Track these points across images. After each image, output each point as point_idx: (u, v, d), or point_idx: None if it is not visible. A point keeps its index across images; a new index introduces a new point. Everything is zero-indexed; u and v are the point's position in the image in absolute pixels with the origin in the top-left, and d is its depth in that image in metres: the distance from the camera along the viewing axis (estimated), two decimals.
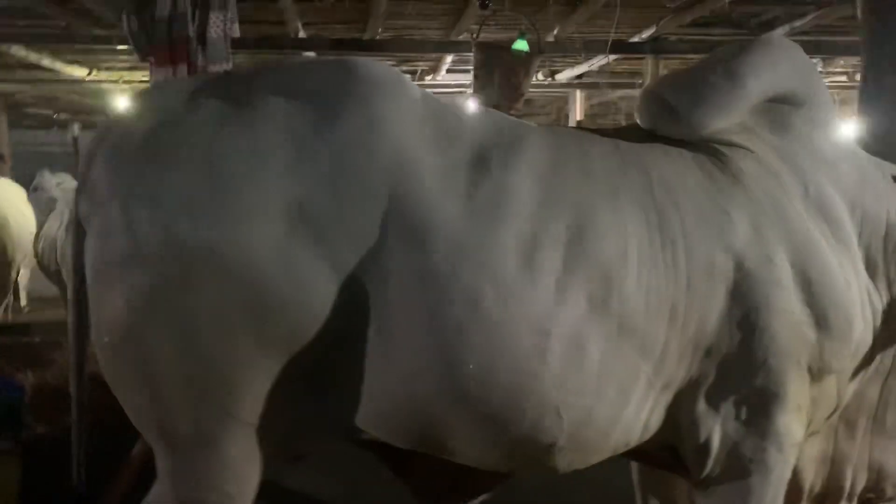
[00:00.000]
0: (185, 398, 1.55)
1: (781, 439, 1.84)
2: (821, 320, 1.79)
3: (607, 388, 1.68)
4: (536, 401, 1.62)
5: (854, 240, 1.88)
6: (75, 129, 4.88)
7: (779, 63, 1.90)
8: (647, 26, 5.77)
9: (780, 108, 1.92)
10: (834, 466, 2.07)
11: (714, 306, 1.74)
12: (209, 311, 1.50)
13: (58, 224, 5.57)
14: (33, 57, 6.50)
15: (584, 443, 1.73)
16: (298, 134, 1.55)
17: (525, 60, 2.81)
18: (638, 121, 1.99)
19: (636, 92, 7.44)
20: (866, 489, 2.11)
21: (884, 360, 2.01)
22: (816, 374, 1.83)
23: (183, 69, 2.68)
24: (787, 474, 1.92)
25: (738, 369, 1.78)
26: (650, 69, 5.73)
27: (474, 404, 1.60)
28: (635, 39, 5.76)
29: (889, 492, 2.11)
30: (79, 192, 1.64)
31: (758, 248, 1.76)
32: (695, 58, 6.57)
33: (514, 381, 1.59)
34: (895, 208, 1.94)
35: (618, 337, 1.66)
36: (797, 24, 5.30)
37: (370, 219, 1.55)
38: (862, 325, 1.86)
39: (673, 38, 5.72)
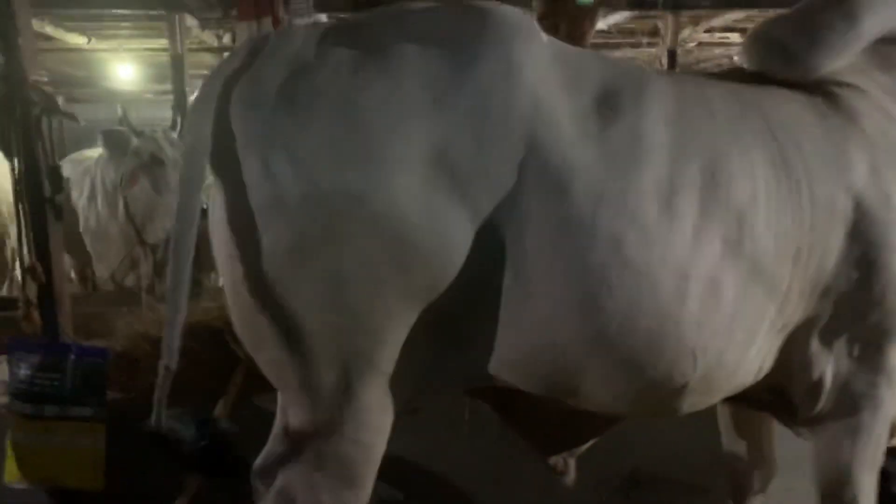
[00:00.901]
0: (329, 349, 1.55)
1: (893, 375, 1.88)
2: None
3: (738, 330, 1.70)
4: (675, 343, 1.64)
5: None
6: (119, 109, 4.81)
7: (890, 2, 1.91)
8: None
9: (889, 48, 1.93)
10: None
11: (834, 246, 1.76)
12: (355, 262, 1.50)
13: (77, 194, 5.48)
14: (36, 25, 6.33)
15: (712, 385, 1.76)
16: (436, 80, 1.53)
17: (589, 11, 2.79)
18: (744, 63, 1.99)
19: (653, 51, 7.40)
20: None
21: None
22: None
23: (267, 22, 2.64)
24: (894, 409, 1.97)
25: (854, 307, 1.81)
26: (670, 26, 5.69)
27: (614, 348, 1.62)
28: None
29: None
30: (194, 146, 1.58)
31: (876, 188, 1.78)
32: (714, 11, 6.58)
33: (655, 324, 1.61)
34: None
35: (749, 279, 1.68)
36: None
37: (509, 165, 1.54)
38: None
39: None
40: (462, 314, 1.59)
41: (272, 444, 1.97)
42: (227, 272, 1.58)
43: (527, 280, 1.57)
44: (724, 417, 2.40)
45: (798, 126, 1.79)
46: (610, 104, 1.64)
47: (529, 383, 1.71)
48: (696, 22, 7.08)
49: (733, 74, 1.97)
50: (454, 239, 1.53)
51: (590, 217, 1.56)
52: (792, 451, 2.34)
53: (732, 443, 2.40)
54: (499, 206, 1.54)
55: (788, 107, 1.83)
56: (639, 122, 1.63)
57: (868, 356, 1.86)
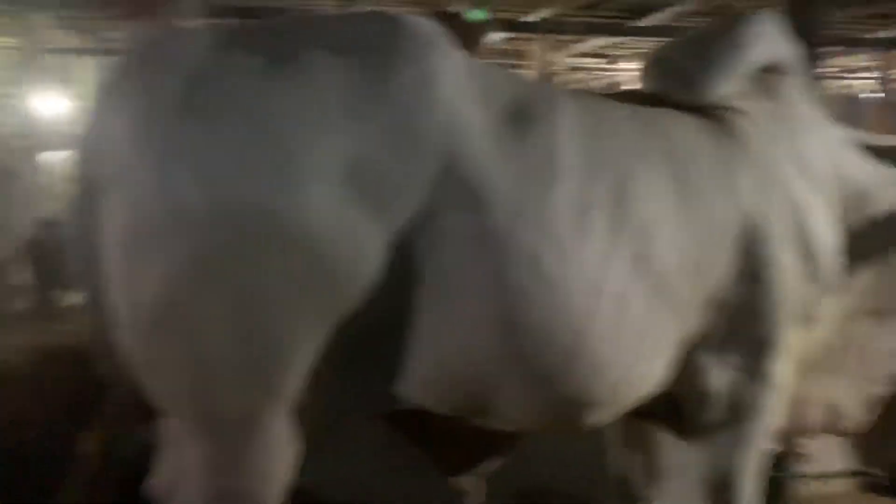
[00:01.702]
0: (234, 376, 1.44)
1: (774, 385, 1.99)
2: (813, 273, 1.95)
3: (644, 344, 1.74)
4: (588, 359, 1.65)
5: (833, 198, 2.06)
6: None
7: (773, 35, 2.04)
8: (535, 9, 5.90)
9: (772, 77, 2.06)
10: (797, 406, 2.26)
11: (727, 262, 1.84)
12: (265, 281, 1.40)
13: None
14: None
15: (620, 399, 1.79)
16: (352, 91, 1.47)
17: (479, 27, 2.82)
18: (643, 85, 2.06)
19: (522, 73, 7.63)
20: (822, 425, 2.33)
21: (843, 308, 2.21)
22: (808, 322, 2.00)
23: (152, 24, 2.45)
24: (776, 417, 2.09)
25: (742, 320, 1.90)
26: (541, 49, 5.90)
27: (531, 365, 1.61)
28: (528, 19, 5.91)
29: (841, 425, 2.34)
30: (85, 156, 1.46)
31: (763, 208, 1.88)
32: (585, 37, 6.91)
33: (570, 340, 1.62)
34: (864, 168, 2.14)
35: (655, 294, 1.72)
36: (678, 8, 5.66)
37: (427, 179, 1.50)
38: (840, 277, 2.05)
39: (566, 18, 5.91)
40: (376, 334, 1.53)
41: (158, 480, 1.82)
42: (121, 292, 1.43)
43: (444, 297, 1.53)
44: (615, 429, 2.46)
45: (694, 147, 1.87)
46: (523, 120, 1.64)
47: (444, 404, 1.68)
48: (563, 47, 7.39)
49: (632, 96, 2.04)
50: (370, 256, 1.47)
51: (507, 233, 1.54)
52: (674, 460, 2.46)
53: (623, 454, 2.46)
54: (416, 221, 1.50)
55: (685, 129, 1.90)
56: (552, 139, 1.64)
57: (753, 368, 1.96)
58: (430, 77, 1.52)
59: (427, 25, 1.60)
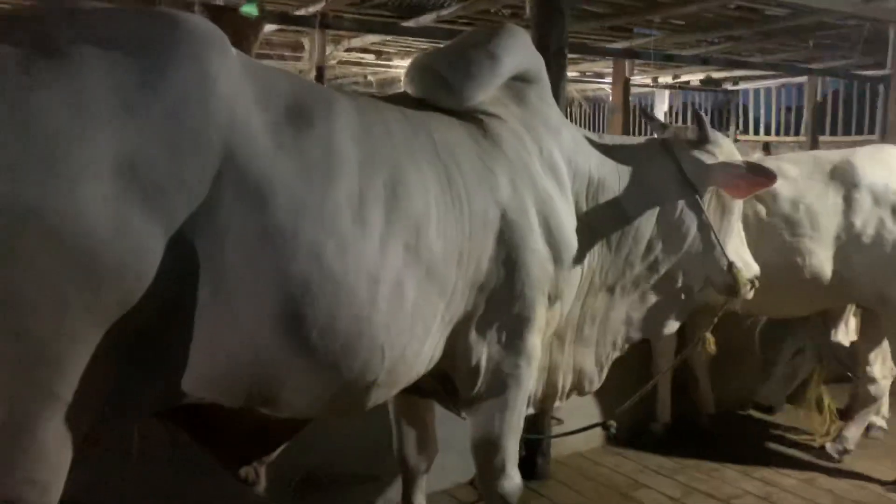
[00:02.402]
0: (2, 381, 1.38)
1: (531, 356, 2.27)
2: (557, 256, 2.24)
3: (417, 326, 1.91)
4: (368, 343, 1.78)
5: (570, 191, 2.37)
6: None
7: (522, 47, 2.30)
8: (308, 4, 5.94)
9: (519, 85, 2.32)
10: (551, 374, 2.58)
11: (487, 250, 2.07)
12: (33, 282, 1.36)
13: None
14: None
15: (396, 378, 1.95)
16: (125, 87, 1.46)
17: (254, 22, 2.83)
18: (407, 89, 2.23)
19: (298, 65, 7.61)
20: (571, 388, 2.67)
21: (582, 284, 2.56)
22: (553, 299, 2.29)
23: None
24: (532, 385, 2.37)
25: (502, 300, 2.14)
26: (317, 43, 5.94)
27: (315, 355, 1.70)
28: (301, 13, 5.92)
29: (586, 387, 2.69)
30: None
31: (516, 201, 2.13)
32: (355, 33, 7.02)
33: (352, 327, 1.73)
34: (595, 163, 2.48)
35: (425, 280, 1.89)
36: (443, 12, 5.98)
37: (205, 177, 1.52)
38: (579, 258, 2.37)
39: (341, 15, 6.01)
40: (155, 333, 1.53)
41: None
42: None
43: (226, 294, 1.56)
44: (393, 407, 2.63)
45: (458, 148, 2.07)
46: (302, 119, 1.71)
47: (229, 397, 1.72)
48: (337, 41, 7.48)
49: (399, 99, 2.20)
50: (147, 254, 1.46)
51: (290, 228, 1.61)
52: (443, 433, 2.70)
53: (402, 430, 2.65)
54: (195, 218, 1.51)
55: (449, 131, 2.10)
56: (331, 137, 1.74)
57: (512, 342, 2.21)
58: (208, 74, 1.55)
59: (204, 23, 1.61)
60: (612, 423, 2.78)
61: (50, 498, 1.51)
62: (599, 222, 2.47)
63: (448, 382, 2.28)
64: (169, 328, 1.54)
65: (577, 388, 2.69)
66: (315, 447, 2.78)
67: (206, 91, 1.54)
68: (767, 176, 2.57)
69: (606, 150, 2.55)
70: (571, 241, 2.30)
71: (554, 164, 2.32)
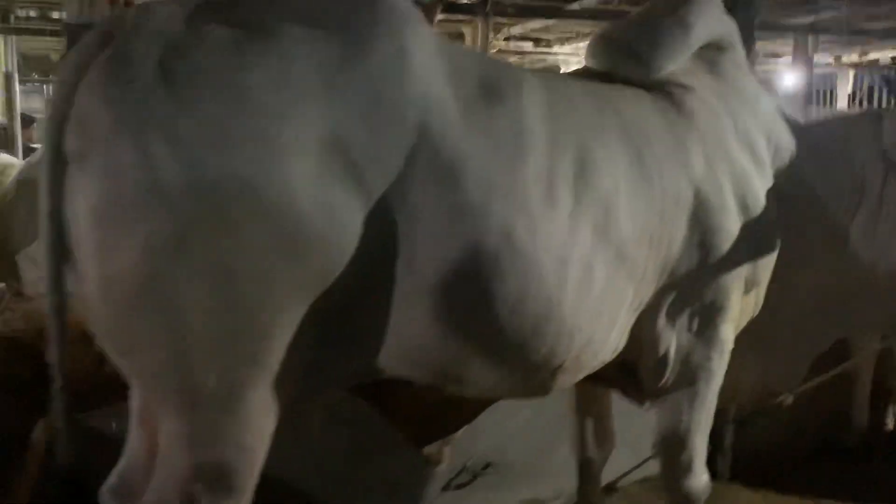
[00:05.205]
0: (214, 348, 1.44)
1: (723, 346, 2.12)
2: (755, 239, 2.07)
3: (605, 311, 1.82)
4: (556, 327, 1.72)
5: (768, 167, 2.19)
6: None
7: (713, 12, 2.15)
8: None
9: (712, 53, 2.17)
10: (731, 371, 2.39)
11: (679, 231, 1.94)
12: (244, 254, 1.40)
13: None
14: None
15: (581, 364, 1.87)
16: (329, 63, 1.48)
17: (429, 8, 2.83)
18: (590, 63, 2.13)
19: None
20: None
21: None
22: (749, 286, 2.12)
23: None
24: (722, 377, 2.21)
25: (694, 286, 2.00)
26: (480, 31, 5.94)
27: (504, 334, 1.67)
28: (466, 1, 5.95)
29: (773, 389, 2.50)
30: (58, 127, 1.43)
31: (710, 179, 1.99)
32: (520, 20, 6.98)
33: (541, 308, 1.68)
34: (788, 140, 2.27)
35: (614, 263, 1.80)
36: None
37: (401, 153, 1.52)
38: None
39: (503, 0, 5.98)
40: (353, 306, 1.55)
41: (129, 459, 1.81)
42: (93, 268, 1.41)
43: (419, 268, 1.56)
44: (571, 399, 2.55)
45: (646, 123, 1.95)
46: (492, 96, 1.67)
47: (419, 373, 1.72)
48: (497, 29, 7.47)
49: (582, 75, 2.11)
50: (348, 228, 1.48)
51: (482, 206, 1.58)
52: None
53: (580, 422, 2.56)
54: (391, 194, 1.52)
55: (637, 105, 1.99)
56: (521, 115, 1.69)
57: (704, 331, 2.07)
58: (406, 52, 1.54)
59: (402, 2, 1.61)
60: (790, 395, 2.56)
61: (255, 464, 1.56)
62: (796, 201, 2.26)
63: (633, 373, 2.17)
64: (366, 303, 1.56)
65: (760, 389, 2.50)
66: (487, 435, 2.77)
67: (404, 68, 1.54)
68: None
69: (809, 124, 2.33)
70: (771, 222, 2.11)
71: (750, 138, 2.14)
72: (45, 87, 10.82)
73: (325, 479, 2.49)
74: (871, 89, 11.36)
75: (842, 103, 10.12)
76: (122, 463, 1.81)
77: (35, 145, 5.96)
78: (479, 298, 1.61)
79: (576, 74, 2.16)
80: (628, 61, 2.06)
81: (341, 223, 1.47)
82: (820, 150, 2.31)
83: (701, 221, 1.96)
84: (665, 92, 2.06)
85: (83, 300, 1.49)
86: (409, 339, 1.62)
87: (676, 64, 2.09)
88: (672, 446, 2.19)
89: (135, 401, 1.80)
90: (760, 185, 2.11)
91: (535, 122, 1.71)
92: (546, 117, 1.74)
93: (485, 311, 1.63)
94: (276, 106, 1.42)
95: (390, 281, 1.56)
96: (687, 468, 2.20)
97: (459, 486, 2.86)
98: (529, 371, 1.78)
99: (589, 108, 1.88)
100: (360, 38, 1.52)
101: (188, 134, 1.37)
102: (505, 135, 1.65)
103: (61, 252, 1.45)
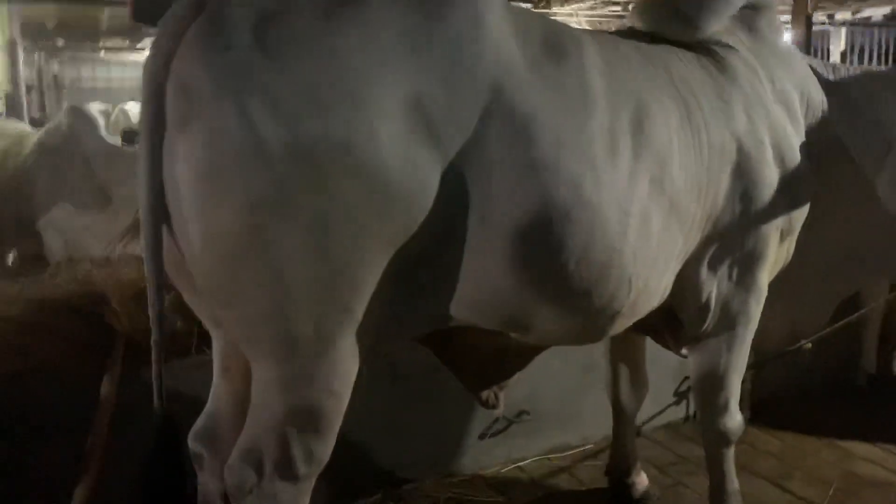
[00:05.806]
0: (310, 297, 1.53)
1: (760, 293, 2.24)
2: (791, 191, 2.17)
3: (660, 259, 1.93)
4: (618, 274, 1.82)
5: (802, 122, 2.29)
6: None
7: None
8: None
9: (749, 13, 2.25)
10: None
11: (723, 183, 2.04)
12: (338, 210, 1.49)
13: None
14: None
15: (637, 309, 1.99)
16: (410, 28, 1.56)
17: None
18: (635, 24, 2.21)
19: None
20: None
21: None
22: (784, 236, 2.23)
23: None
24: (757, 322, 2.33)
25: (736, 235, 2.11)
26: None
27: (571, 282, 1.77)
28: None
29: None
30: (157, 94, 1.50)
31: (751, 133, 2.09)
32: None
33: (605, 257, 1.78)
34: (820, 95, 2.37)
35: (668, 213, 1.91)
36: None
37: (476, 113, 1.61)
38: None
39: None
40: (430, 258, 1.64)
41: (214, 405, 1.91)
42: (198, 226, 1.49)
43: (493, 223, 1.65)
44: (607, 345, 2.68)
45: (693, 80, 2.05)
46: (556, 54, 1.76)
47: (488, 320, 1.81)
48: None
49: (628, 34, 2.18)
50: (429, 184, 1.57)
51: (553, 160, 1.67)
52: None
53: (615, 369, 2.69)
54: (467, 152, 1.60)
55: (684, 63, 2.08)
56: (583, 72, 1.78)
57: (743, 278, 2.19)
58: (479, 15, 1.63)
59: None
60: (808, 343, 2.70)
61: (341, 408, 1.67)
62: (826, 154, 2.37)
63: (673, 319, 2.28)
64: (442, 254, 1.65)
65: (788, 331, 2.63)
66: (521, 385, 2.89)
67: (478, 30, 1.62)
68: None
69: (838, 80, 2.43)
70: (805, 174, 2.22)
71: (786, 95, 2.24)
72: (37, 55, 10.69)
73: (371, 428, 2.61)
74: (861, 47, 11.43)
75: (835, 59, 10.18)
76: (207, 409, 1.91)
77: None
78: (549, 248, 1.71)
79: (622, 33, 2.23)
80: (675, 22, 2.14)
81: (424, 180, 1.56)
82: (849, 105, 2.40)
83: (743, 174, 2.07)
84: (708, 51, 2.15)
85: (176, 260, 1.58)
86: (482, 288, 1.71)
87: (721, 24, 2.17)
88: (711, 388, 2.32)
89: (217, 353, 1.90)
90: (796, 140, 2.21)
91: (597, 79, 1.79)
92: (606, 74, 1.82)
93: (555, 261, 1.72)
94: (366, 69, 1.50)
95: (465, 234, 1.65)
96: (724, 408, 2.33)
97: (495, 433, 3.03)
98: (592, 316, 1.88)
99: (642, 66, 1.97)
100: (439, 4, 1.60)
101: (286, 97, 1.45)
102: (571, 91, 1.74)
103: (160, 215, 1.54)
